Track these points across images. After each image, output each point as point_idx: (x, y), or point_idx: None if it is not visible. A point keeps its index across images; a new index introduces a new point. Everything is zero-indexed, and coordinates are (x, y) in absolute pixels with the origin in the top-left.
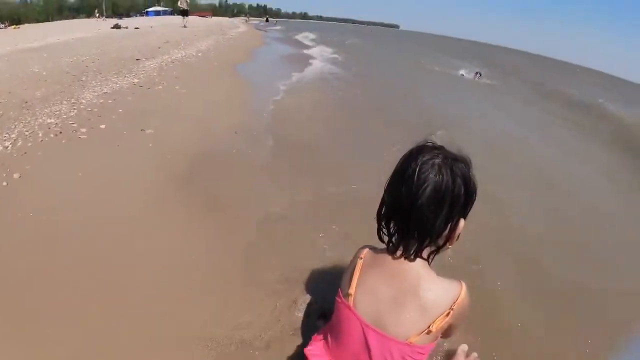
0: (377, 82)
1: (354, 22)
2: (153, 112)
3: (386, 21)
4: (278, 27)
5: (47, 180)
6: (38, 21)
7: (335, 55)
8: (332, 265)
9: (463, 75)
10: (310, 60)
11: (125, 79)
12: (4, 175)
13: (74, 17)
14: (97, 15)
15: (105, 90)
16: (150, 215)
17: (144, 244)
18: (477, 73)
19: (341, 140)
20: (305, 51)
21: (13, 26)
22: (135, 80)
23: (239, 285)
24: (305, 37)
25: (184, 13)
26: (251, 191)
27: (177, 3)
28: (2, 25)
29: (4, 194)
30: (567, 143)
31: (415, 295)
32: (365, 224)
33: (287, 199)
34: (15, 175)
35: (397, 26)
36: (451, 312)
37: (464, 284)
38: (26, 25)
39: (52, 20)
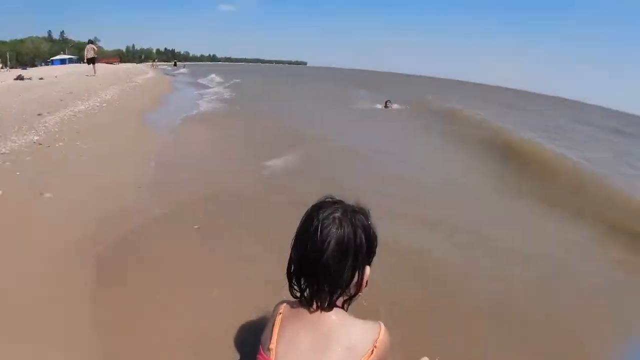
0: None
1: (262, 61)
2: (52, 172)
3: (294, 59)
4: (186, 71)
5: None
6: None
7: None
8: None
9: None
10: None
11: (25, 136)
12: None
13: None
14: (1, 66)
15: (2, 150)
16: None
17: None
18: (386, 102)
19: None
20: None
21: None
22: (35, 138)
23: None
24: (210, 80)
25: (91, 61)
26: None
27: (83, 50)
28: None
29: None
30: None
31: (338, 340)
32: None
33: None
34: None
35: (304, 63)
36: (374, 349)
37: (382, 323)
38: None
39: None
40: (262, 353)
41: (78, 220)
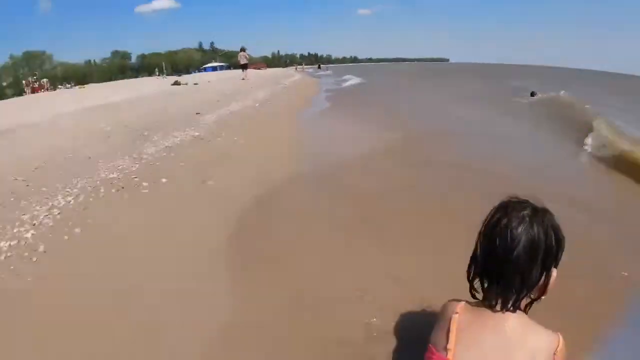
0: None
1: (403, 60)
2: (213, 163)
3: (435, 56)
4: (329, 72)
5: (108, 234)
6: (102, 81)
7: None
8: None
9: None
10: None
11: (186, 132)
12: (66, 229)
13: (135, 77)
14: (158, 73)
15: (166, 144)
16: (202, 274)
17: (193, 302)
18: (531, 93)
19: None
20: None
21: (79, 86)
22: (196, 134)
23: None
24: (346, 79)
25: (244, 67)
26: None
27: (232, 58)
28: (69, 86)
29: (65, 247)
30: None
31: (522, 345)
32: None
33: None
34: (77, 230)
35: (447, 59)
36: (554, 357)
37: (560, 334)
38: (91, 84)
39: (115, 79)
40: (436, 352)
41: (236, 201)
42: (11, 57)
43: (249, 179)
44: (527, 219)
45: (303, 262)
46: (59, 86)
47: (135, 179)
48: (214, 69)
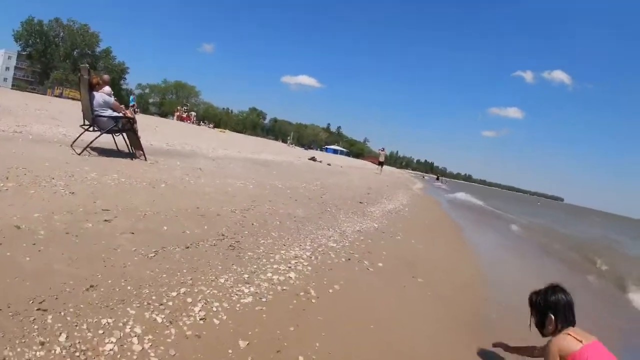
0: None
1: (517, 190)
2: (411, 260)
3: (549, 192)
4: (446, 187)
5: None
6: (235, 130)
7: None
8: None
9: None
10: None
11: (365, 220)
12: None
13: (263, 136)
14: (289, 142)
15: (356, 227)
16: None
17: None
18: None
19: None
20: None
21: (219, 129)
22: (375, 225)
23: None
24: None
25: (381, 164)
26: None
27: (352, 146)
28: (211, 125)
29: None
30: None
31: None
32: None
33: None
34: (336, 287)
35: (561, 199)
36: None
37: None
38: (227, 131)
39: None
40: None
41: (456, 305)
42: (164, 81)
43: (458, 284)
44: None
45: None
46: (202, 123)
47: (355, 255)
48: (335, 151)
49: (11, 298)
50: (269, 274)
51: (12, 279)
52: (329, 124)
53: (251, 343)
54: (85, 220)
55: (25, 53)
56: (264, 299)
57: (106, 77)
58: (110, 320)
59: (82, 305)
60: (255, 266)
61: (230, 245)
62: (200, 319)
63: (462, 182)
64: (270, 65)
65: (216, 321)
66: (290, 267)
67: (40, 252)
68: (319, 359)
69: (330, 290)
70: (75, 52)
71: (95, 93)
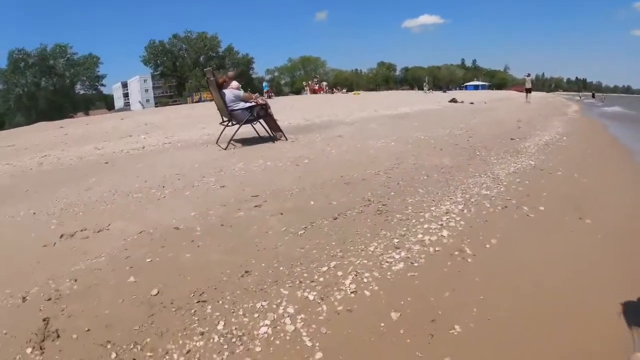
0: None
1: None
2: (575, 199)
3: None
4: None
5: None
6: (367, 90)
7: None
8: None
9: None
10: None
11: (519, 159)
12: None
13: (397, 89)
14: (425, 88)
15: (510, 169)
16: None
17: None
18: None
19: None
20: None
21: (352, 93)
22: (532, 162)
23: None
24: None
25: (528, 90)
26: None
27: (493, 77)
28: (344, 91)
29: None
30: None
31: None
32: None
33: None
34: (493, 241)
35: None
36: None
37: None
38: (360, 92)
39: (378, 90)
40: None
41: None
42: (289, 60)
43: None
44: None
45: None
46: (335, 90)
47: (512, 201)
48: (476, 87)
49: (174, 295)
50: (420, 235)
51: (176, 277)
52: (462, 59)
53: (404, 314)
54: (237, 209)
55: (157, 73)
56: (416, 264)
57: (230, 73)
58: (264, 303)
59: (238, 292)
60: (404, 229)
61: (377, 210)
62: (351, 292)
63: (622, 95)
64: (388, 14)
65: (367, 293)
66: (442, 225)
67: (199, 247)
68: (477, 328)
69: (487, 246)
70: (201, 58)
71: (224, 90)
